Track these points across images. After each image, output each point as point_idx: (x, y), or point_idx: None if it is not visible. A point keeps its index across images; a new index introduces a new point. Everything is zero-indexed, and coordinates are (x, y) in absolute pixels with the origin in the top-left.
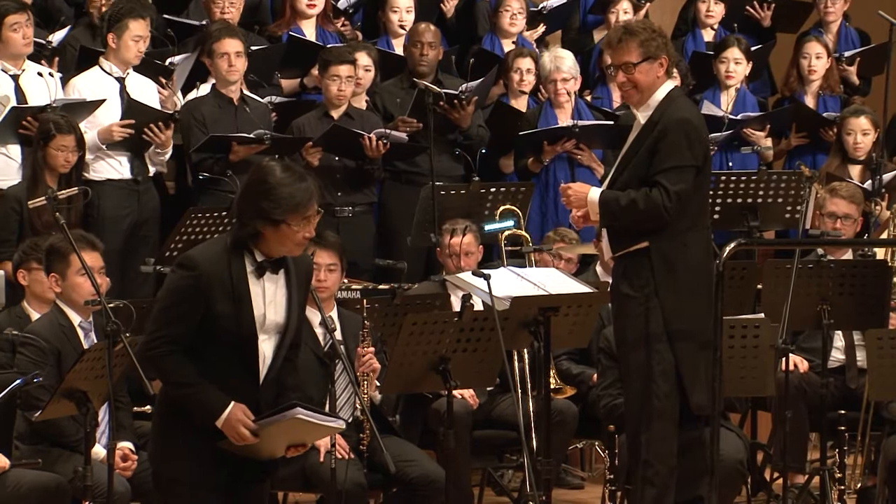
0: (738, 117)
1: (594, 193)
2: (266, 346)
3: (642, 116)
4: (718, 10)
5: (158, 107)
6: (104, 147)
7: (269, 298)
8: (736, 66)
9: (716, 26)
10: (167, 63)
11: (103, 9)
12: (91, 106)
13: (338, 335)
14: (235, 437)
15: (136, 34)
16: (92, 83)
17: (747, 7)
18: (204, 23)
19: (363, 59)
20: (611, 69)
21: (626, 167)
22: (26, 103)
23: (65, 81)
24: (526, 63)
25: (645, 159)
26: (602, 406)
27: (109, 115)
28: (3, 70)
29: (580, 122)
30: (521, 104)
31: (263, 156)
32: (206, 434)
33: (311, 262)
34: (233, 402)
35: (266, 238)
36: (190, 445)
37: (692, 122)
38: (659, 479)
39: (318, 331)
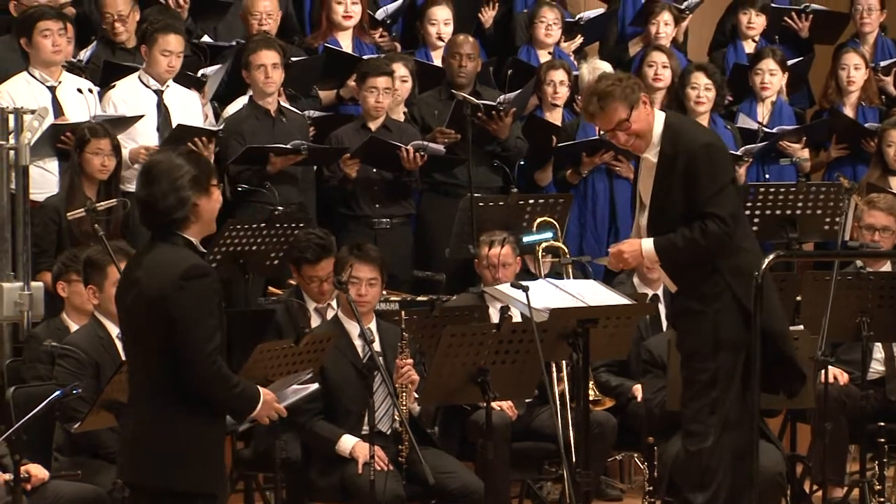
0: (774, 130)
1: (647, 244)
2: None
3: (651, 155)
4: (760, 22)
5: (200, 116)
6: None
7: None
8: (771, 77)
9: (757, 38)
10: (199, 75)
11: (116, 24)
12: (130, 121)
13: (376, 347)
14: (272, 415)
15: (165, 49)
16: (129, 94)
17: (785, 18)
18: (233, 43)
19: (400, 69)
20: (604, 135)
21: (662, 207)
22: (63, 115)
23: (100, 94)
24: (559, 75)
25: (680, 194)
26: (655, 405)
27: (145, 127)
28: (40, 80)
29: None
30: (555, 116)
31: (300, 166)
32: (218, 440)
33: None
34: (259, 387)
35: (200, 211)
36: (212, 458)
37: (712, 143)
38: (714, 484)
39: (357, 343)
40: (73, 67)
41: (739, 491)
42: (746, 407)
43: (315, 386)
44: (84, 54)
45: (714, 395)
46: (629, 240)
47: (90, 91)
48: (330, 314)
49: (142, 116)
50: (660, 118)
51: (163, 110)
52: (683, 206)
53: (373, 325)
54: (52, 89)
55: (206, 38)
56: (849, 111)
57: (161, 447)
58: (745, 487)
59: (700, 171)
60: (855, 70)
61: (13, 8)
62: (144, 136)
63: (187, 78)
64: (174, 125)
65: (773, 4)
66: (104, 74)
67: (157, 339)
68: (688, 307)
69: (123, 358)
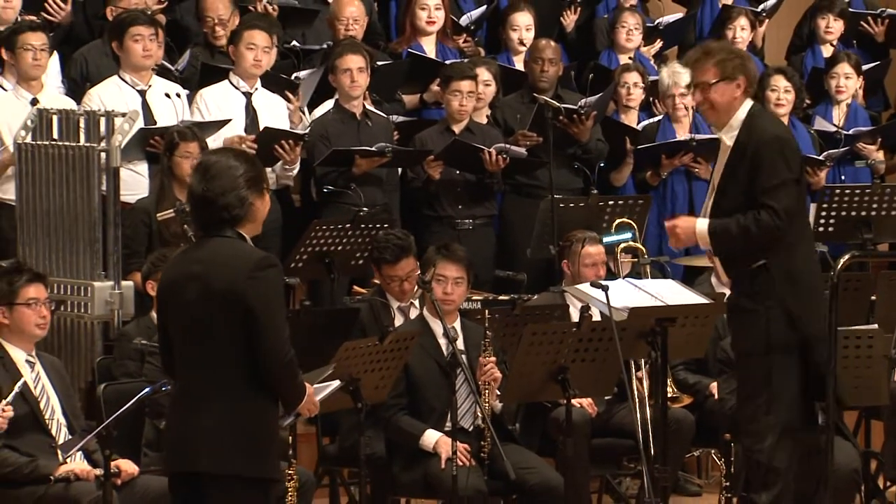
0: (850, 132)
1: (702, 224)
2: None
3: (728, 138)
4: (837, 27)
5: (286, 120)
6: None
7: None
8: (846, 80)
9: (835, 42)
10: (293, 77)
11: (216, 27)
12: (217, 125)
13: (460, 345)
14: (312, 409)
15: (251, 42)
16: (219, 97)
17: (861, 22)
18: (324, 46)
19: (484, 74)
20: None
21: (726, 191)
22: (152, 119)
23: (191, 97)
24: (633, 77)
25: (745, 182)
26: (728, 408)
27: (233, 131)
28: (130, 84)
29: (698, 136)
30: (630, 118)
31: (384, 168)
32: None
33: None
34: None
35: (255, 211)
36: (274, 445)
37: (783, 138)
38: (779, 484)
39: (442, 341)
40: (163, 72)
41: (806, 492)
42: (809, 407)
43: (337, 382)
44: (181, 63)
45: (767, 395)
46: (685, 217)
47: (178, 96)
48: (413, 313)
49: (229, 121)
50: (746, 106)
51: (251, 112)
52: (745, 195)
53: (457, 325)
54: (142, 93)
55: (294, 43)
56: None
57: (245, 435)
58: (813, 489)
59: (765, 161)
60: None
61: (110, 13)
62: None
63: (280, 81)
64: (261, 128)
65: (850, 9)
66: (202, 76)
67: (230, 331)
68: (739, 304)
69: None
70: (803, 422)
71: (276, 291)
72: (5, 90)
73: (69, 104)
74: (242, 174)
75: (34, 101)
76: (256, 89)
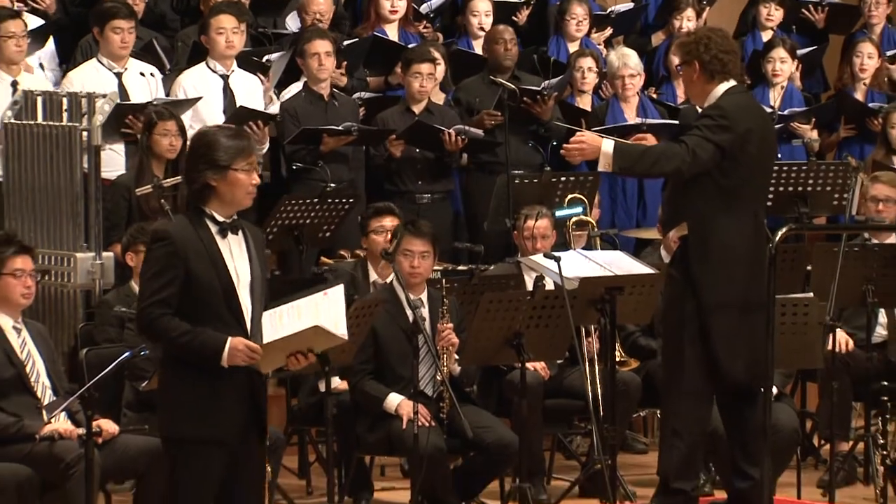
0: (785, 112)
1: (608, 142)
2: (244, 297)
3: None
4: (778, 15)
5: (261, 100)
6: None
7: (235, 255)
8: (782, 64)
9: (775, 28)
10: (264, 60)
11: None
12: (189, 103)
13: (426, 314)
14: (245, 360)
15: (219, 27)
16: (197, 80)
17: (802, 10)
18: (294, 30)
19: (434, 54)
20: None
21: None
22: (127, 98)
23: (173, 78)
24: (587, 62)
25: None
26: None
27: (212, 111)
28: (107, 68)
29: (648, 121)
30: (584, 101)
31: (350, 146)
32: (205, 395)
33: (261, 233)
34: (229, 336)
35: (218, 192)
36: (191, 406)
37: (723, 108)
38: (684, 446)
39: (409, 310)
40: (137, 54)
41: (738, 454)
42: (708, 376)
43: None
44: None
45: (678, 360)
46: (593, 135)
47: (152, 75)
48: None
49: (199, 98)
50: (723, 86)
51: (228, 94)
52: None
53: (424, 296)
54: (118, 75)
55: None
56: (859, 96)
57: (160, 402)
58: (741, 452)
59: (702, 117)
60: (868, 59)
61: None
62: (211, 118)
63: (253, 63)
64: (238, 107)
65: None
66: (192, 54)
67: None
68: (668, 273)
69: None
70: (709, 388)
71: (148, 261)
72: None
73: (48, 86)
74: (201, 156)
75: (14, 83)
76: (233, 71)
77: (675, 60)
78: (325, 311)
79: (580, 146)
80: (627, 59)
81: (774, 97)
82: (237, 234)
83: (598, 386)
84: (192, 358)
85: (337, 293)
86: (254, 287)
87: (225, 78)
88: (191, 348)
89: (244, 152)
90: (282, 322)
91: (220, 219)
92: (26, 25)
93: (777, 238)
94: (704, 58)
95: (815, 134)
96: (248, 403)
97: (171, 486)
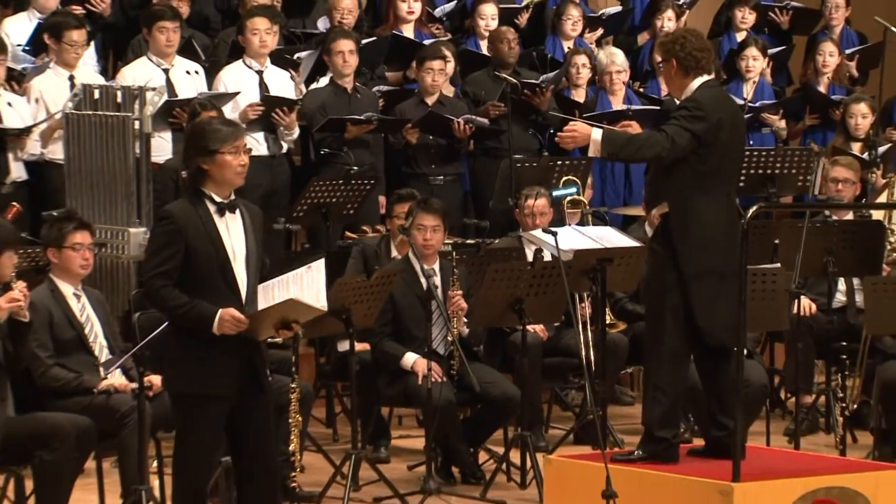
0: (757, 104)
1: (597, 131)
2: (240, 271)
3: None
4: (751, 18)
5: (293, 93)
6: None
7: (232, 232)
8: (754, 62)
9: (748, 30)
10: (295, 57)
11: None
12: (229, 96)
13: (437, 282)
14: (232, 328)
15: (254, 28)
16: (235, 75)
17: (769, 13)
18: (323, 30)
19: (445, 52)
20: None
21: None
22: (174, 93)
23: (215, 73)
24: (581, 59)
25: None
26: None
27: (247, 101)
28: (156, 64)
29: (633, 107)
30: (579, 94)
31: (371, 134)
32: (202, 355)
33: (260, 212)
34: (220, 308)
35: (211, 174)
36: (190, 365)
37: (697, 100)
38: (666, 399)
39: (423, 279)
40: (183, 51)
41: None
42: (686, 339)
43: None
44: None
45: (659, 325)
46: (584, 124)
47: (196, 73)
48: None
49: (237, 93)
50: (699, 81)
51: (263, 88)
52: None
53: (436, 266)
54: (165, 71)
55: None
56: (822, 89)
57: (166, 362)
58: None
59: (677, 109)
60: (830, 56)
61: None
62: None
63: (284, 60)
64: (263, 95)
65: (762, 2)
66: (231, 51)
67: None
68: (651, 246)
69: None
70: (687, 349)
71: (153, 238)
72: (49, 69)
73: (100, 80)
74: (193, 144)
75: (71, 78)
76: (267, 67)
77: (657, 58)
78: (308, 284)
79: (573, 134)
80: (615, 57)
81: (748, 91)
82: (234, 213)
83: (591, 346)
84: (189, 326)
85: (319, 266)
86: (249, 262)
87: (260, 73)
88: (187, 318)
89: (230, 137)
90: (273, 294)
91: (218, 199)
92: (89, 34)
93: (748, 215)
94: (680, 55)
95: (783, 123)
96: (243, 362)
97: (178, 435)
